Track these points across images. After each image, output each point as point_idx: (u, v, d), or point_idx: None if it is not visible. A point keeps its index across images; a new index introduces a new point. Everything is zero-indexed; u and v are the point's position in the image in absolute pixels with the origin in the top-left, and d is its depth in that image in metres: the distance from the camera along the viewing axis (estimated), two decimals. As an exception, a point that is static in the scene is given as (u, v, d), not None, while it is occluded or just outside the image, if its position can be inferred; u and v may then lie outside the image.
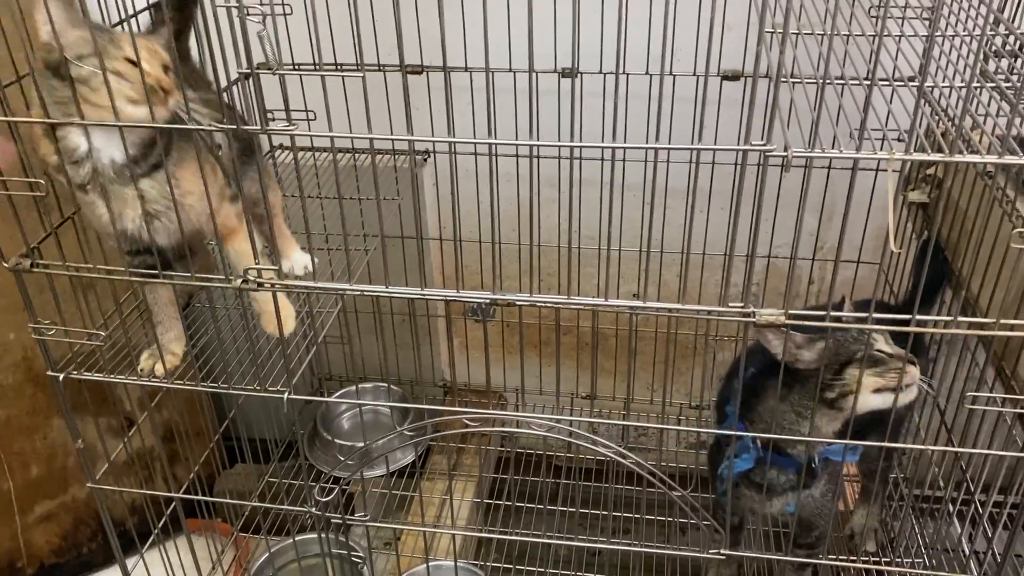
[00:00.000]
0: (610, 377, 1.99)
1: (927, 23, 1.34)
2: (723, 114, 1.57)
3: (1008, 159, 0.78)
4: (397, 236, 1.82)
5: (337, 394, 1.99)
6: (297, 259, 1.23)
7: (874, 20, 1.18)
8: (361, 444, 1.14)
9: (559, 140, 1.65)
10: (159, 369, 1.19)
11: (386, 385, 1.99)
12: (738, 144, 0.80)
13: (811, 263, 1.76)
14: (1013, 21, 1.26)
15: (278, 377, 1.12)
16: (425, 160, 1.82)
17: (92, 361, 1.18)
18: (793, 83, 0.97)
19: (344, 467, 1.66)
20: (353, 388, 1.99)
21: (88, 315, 1.18)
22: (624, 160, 1.71)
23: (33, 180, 0.97)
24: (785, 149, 0.79)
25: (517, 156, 1.72)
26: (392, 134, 1.68)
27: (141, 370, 1.20)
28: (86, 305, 1.18)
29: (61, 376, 1.15)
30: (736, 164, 0.82)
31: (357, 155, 1.71)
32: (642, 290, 1.03)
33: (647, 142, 1.60)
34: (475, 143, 0.97)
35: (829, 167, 1.56)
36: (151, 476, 1.79)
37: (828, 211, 1.68)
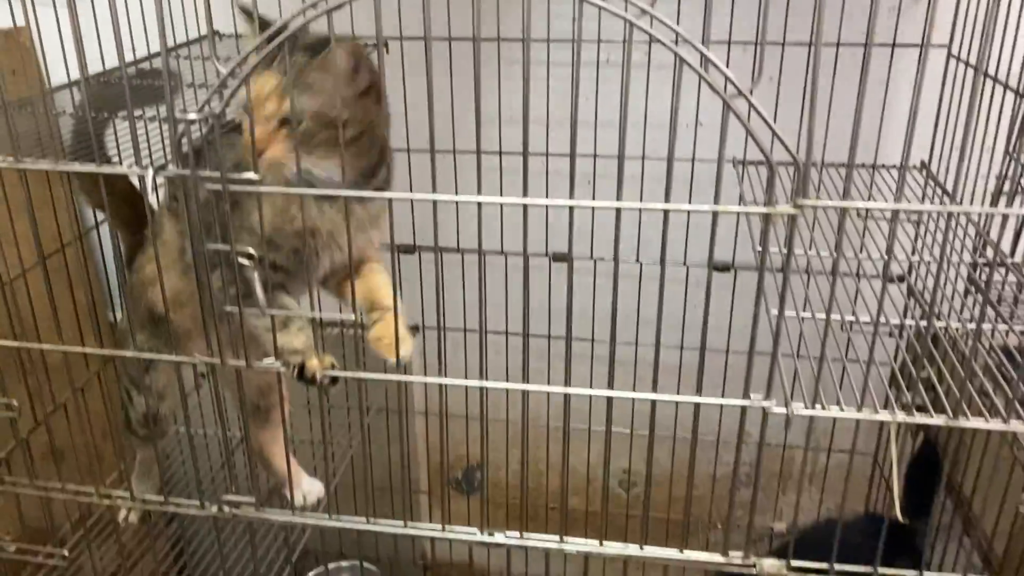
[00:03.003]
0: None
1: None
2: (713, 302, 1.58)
3: (1015, 426, 0.76)
4: (381, 409, 1.77)
5: (311, 573, 1.90)
6: (309, 488, 1.20)
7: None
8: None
9: (549, 321, 1.65)
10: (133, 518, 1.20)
11: (363, 564, 1.90)
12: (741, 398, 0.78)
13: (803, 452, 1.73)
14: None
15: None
16: (414, 336, 1.79)
17: None
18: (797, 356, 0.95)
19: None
20: (328, 567, 1.90)
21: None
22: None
23: None
24: (786, 405, 0.77)
25: (507, 334, 1.71)
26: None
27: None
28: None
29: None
30: (739, 418, 0.80)
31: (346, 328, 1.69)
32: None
33: (636, 325, 1.62)
34: (465, 384, 0.95)
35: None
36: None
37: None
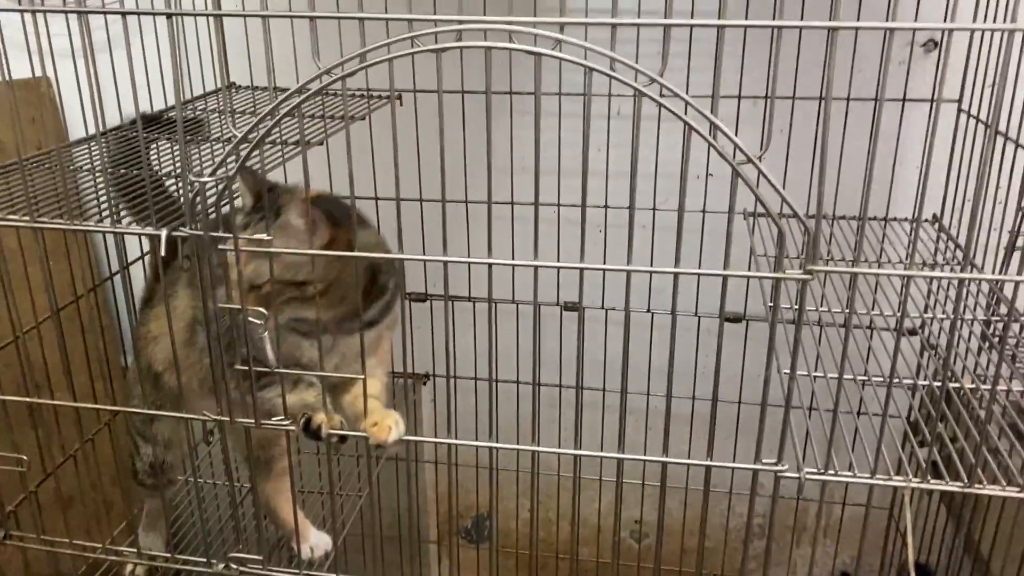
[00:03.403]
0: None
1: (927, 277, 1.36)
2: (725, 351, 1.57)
3: (1033, 492, 0.75)
4: (391, 457, 1.77)
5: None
6: (316, 541, 1.19)
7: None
8: None
9: (560, 369, 1.64)
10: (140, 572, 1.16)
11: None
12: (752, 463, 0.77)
13: (818, 506, 1.70)
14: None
15: None
16: (424, 383, 1.79)
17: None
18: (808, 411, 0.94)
19: None
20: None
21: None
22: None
23: None
24: (798, 470, 0.76)
25: (517, 383, 1.70)
26: (395, 356, 1.66)
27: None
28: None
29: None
30: (750, 487, 0.79)
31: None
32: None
33: (647, 374, 1.61)
34: (475, 444, 0.94)
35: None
36: None
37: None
